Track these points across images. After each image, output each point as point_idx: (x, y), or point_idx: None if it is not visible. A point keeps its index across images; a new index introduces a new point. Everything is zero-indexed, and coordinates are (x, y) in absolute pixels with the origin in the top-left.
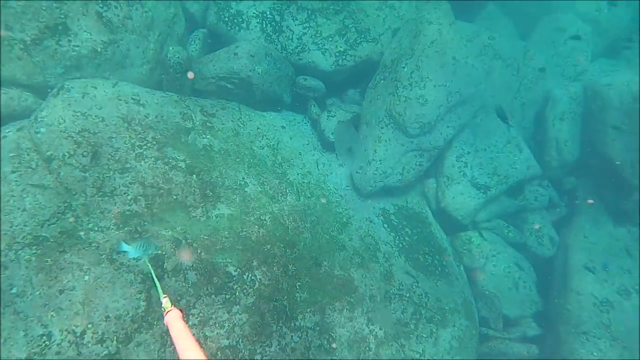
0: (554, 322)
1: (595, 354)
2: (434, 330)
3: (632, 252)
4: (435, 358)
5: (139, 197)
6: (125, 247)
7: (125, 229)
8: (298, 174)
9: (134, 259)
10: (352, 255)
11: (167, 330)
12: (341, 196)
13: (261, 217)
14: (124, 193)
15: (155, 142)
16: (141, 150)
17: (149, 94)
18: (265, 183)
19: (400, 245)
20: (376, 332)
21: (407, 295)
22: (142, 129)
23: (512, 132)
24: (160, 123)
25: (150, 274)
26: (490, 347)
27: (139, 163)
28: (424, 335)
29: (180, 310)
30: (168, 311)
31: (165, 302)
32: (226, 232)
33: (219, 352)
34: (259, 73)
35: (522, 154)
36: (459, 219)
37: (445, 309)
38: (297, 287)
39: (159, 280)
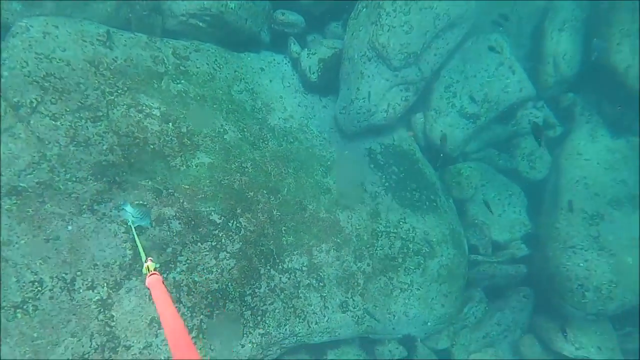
0: (543, 241)
1: (582, 264)
2: (422, 261)
3: (630, 161)
4: (423, 287)
5: (114, 147)
6: (128, 207)
7: (104, 179)
8: (279, 118)
9: (128, 221)
10: (337, 197)
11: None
12: (325, 139)
13: (242, 164)
14: (99, 143)
15: (126, 89)
16: (112, 97)
17: (115, 34)
18: (245, 130)
19: (387, 184)
20: (364, 269)
21: (395, 231)
22: (111, 74)
23: (506, 53)
24: (130, 67)
25: (134, 237)
26: (479, 272)
27: (112, 111)
28: (412, 267)
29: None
30: (151, 274)
31: (150, 264)
32: (208, 181)
33: (209, 295)
34: (232, 8)
35: (515, 76)
36: (448, 152)
37: (433, 241)
38: (283, 232)
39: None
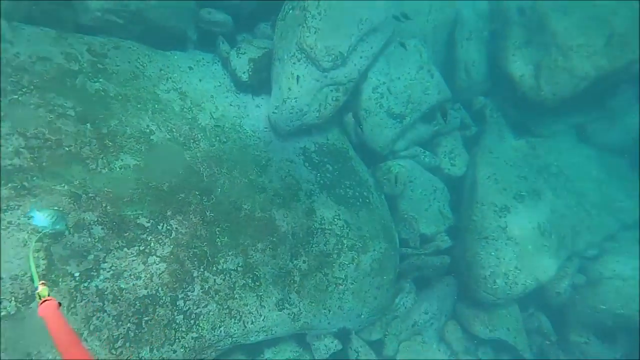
0: (462, 233)
1: (493, 253)
2: (356, 256)
3: (529, 159)
4: (357, 281)
5: (20, 149)
6: (35, 213)
7: (9, 185)
8: (211, 118)
9: (39, 227)
10: (272, 196)
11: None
12: (259, 138)
13: (172, 165)
14: (2, 145)
15: (32, 87)
16: (16, 97)
17: (16, 29)
18: (174, 130)
19: (322, 181)
20: (300, 266)
21: (330, 228)
22: (12, 71)
23: (424, 58)
24: (36, 64)
25: (29, 258)
26: (409, 264)
27: (15, 111)
28: (346, 262)
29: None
30: (43, 300)
31: (42, 290)
32: (133, 184)
33: (137, 302)
34: (152, 5)
35: (434, 79)
36: (378, 150)
37: (366, 236)
38: (217, 233)
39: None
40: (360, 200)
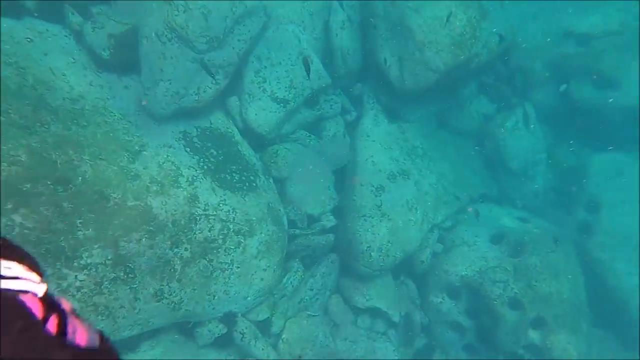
0: (345, 212)
1: (369, 230)
2: (242, 240)
3: (400, 142)
4: (243, 264)
5: None
6: None
7: None
8: (65, 99)
9: None
10: (148, 183)
11: None
12: (130, 122)
13: (11, 152)
14: None
15: None
16: None
17: None
18: (11, 111)
19: (206, 167)
20: (182, 254)
21: (214, 214)
22: None
23: (303, 44)
24: None
25: None
26: (297, 244)
27: None
28: (232, 247)
29: None
30: None
31: None
32: None
33: None
34: None
35: (314, 65)
36: (264, 135)
37: (253, 220)
38: (79, 225)
39: None
40: (247, 184)
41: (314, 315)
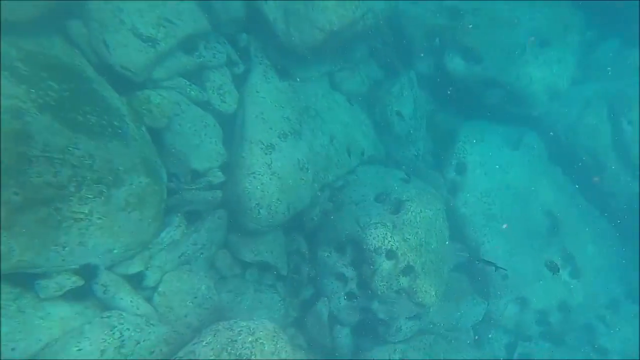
0: (234, 169)
1: (259, 187)
2: (104, 190)
3: (292, 102)
4: (107, 215)
5: None
6: None
7: None
8: None
9: None
10: None
11: None
12: None
13: None
14: None
15: None
16: None
17: None
18: None
19: (41, 101)
20: (10, 198)
21: (60, 157)
22: None
23: None
24: None
25: None
26: (178, 198)
27: None
28: (90, 196)
29: None
30: None
31: None
32: None
33: None
34: None
35: (187, 4)
36: (130, 75)
37: (119, 170)
38: None
39: None
40: (110, 129)
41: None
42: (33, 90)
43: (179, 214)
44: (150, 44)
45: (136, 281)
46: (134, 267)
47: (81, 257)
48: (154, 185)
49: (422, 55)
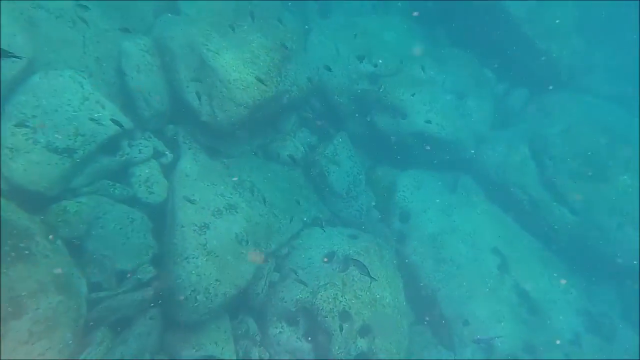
0: (165, 259)
1: (194, 271)
2: (2, 325)
3: (224, 178)
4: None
5: None
6: None
7: None
8: None
9: None
10: None
11: None
12: None
13: None
14: None
15: None
16: None
17: None
18: None
19: None
20: None
21: None
22: None
23: (87, 88)
24: None
25: None
26: (102, 308)
27: None
28: None
29: None
30: None
31: None
32: None
33: None
34: None
35: (106, 110)
36: (43, 191)
37: (21, 296)
38: None
39: None
40: (14, 254)
41: None
42: None
43: (102, 328)
44: (66, 154)
45: None
46: None
47: None
48: (69, 301)
49: (350, 118)
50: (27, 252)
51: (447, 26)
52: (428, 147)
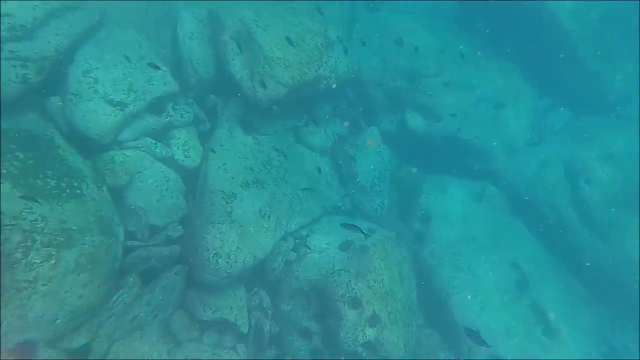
0: (193, 220)
1: (217, 236)
2: (54, 252)
3: (255, 153)
4: (53, 280)
5: None
6: None
7: None
8: None
9: None
10: None
11: None
12: None
13: None
14: None
15: None
16: None
17: None
18: None
19: (5, 171)
20: None
21: (12, 223)
22: None
23: (145, 48)
24: None
25: None
26: (134, 257)
27: None
28: (38, 261)
29: None
30: None
31: None
32: None
33: None
34: None
35: (158, 71)
36: (96, 138)
37: (72, 229)
38: None
39: None
40: (68, 191)
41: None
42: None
43: (133, 274)
44: (119, 107)
45: (81, 355)
46: (80, 339)
47: (20, 333)
48: (108, 243)
49: (384, 113)
50: (78, 191)
51: (493, 35)
52: (458, 153)
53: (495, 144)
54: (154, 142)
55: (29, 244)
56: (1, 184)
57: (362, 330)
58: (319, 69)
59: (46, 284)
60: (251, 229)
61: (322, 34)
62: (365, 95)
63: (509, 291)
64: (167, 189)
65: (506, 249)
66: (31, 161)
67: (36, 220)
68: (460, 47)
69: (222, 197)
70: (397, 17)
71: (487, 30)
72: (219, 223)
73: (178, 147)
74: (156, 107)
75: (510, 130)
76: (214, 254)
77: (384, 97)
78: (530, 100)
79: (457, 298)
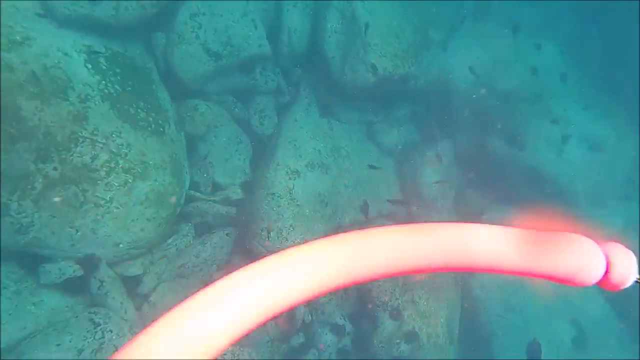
0: (254, 188)
1: (275, 209)
2: (130, 180)
3: (326, 138)
4: (125, 206)
5: None
6: None
7: None
8: None
9: None
10: (23, 81)
11: None
12: (17, 9)
13: None
14: None
15: None
16: None
17: None
18: None
19: (107, 91)
20: (47, 172)
21: (103, 142)
22: None
23: (251, 6)
24: None
25: None
26: (194, 207)
27: None
28: (116, 184)
29: None
30: None
31: None
32: None
33: None
34: None
35: (257, 31)
36: (187, 82)
37: (149, 164)
38: None
39: None
40: (153, 126)
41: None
42: (104, 82)
43: (189, 224)
44: (214, 58)
45: (131, 285)
46: (134, 269)
47: (88, 246)
48: (176, 187)
49: (464, 130)
50: (161, 129)
51: (607, 69)
52: (534, 186)
53: (580, 188)
54: (235, 100)
55: (112, 165)
56: (99, 103)
57: (397, 343)
58: (412, 66)
59: (119, 208)
60: (307, 211)
61: (423, 32)
62: (448, 105)
63: (563, 347)
64: (236, 151)
65: (568, 302)
66: (129, 89)
67: (122, 145)
68: (564, 79)
69: (287, 172)
70: (502, 30)
71: (600, 65)
72: (278, 196)
73: (255, 112)
74: (245, 67)
75: (601, 175)
76: (264, 227)
77: (469, 113)
78: (634, 146)
79: (502, 340)
